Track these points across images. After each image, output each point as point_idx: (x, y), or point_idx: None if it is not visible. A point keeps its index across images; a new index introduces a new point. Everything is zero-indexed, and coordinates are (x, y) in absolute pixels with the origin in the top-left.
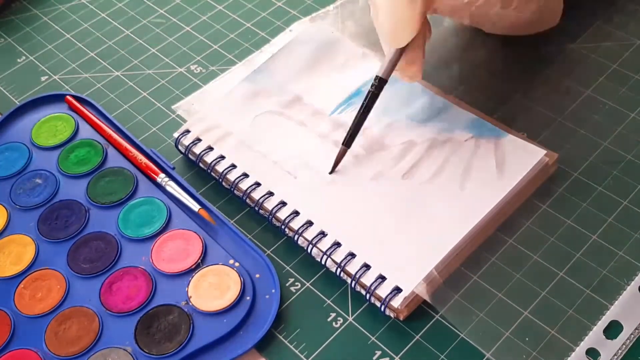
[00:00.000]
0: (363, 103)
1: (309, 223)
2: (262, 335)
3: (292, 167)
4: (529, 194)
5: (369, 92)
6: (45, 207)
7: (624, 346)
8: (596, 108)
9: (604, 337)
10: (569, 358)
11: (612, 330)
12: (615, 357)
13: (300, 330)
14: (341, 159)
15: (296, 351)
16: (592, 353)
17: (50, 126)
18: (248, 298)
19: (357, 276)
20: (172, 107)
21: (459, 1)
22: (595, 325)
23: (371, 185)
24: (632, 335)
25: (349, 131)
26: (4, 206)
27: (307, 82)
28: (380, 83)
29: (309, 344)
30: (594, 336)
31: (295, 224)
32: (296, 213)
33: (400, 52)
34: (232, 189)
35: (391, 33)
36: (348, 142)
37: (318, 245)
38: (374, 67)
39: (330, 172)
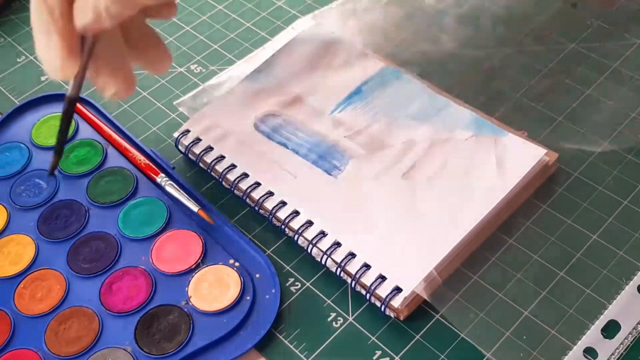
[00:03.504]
0: (62, 119)
1: (309, 223)
2: (262, 335)
3: (292, 167)
4: (529, 194)
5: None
6: (45, 207)
7: (621, 346)
8: (596, 108)
9: (601, 336)
10: (566, 357)
11: (610, 329)
12: (613, 356)
13: (300, 330)
14: (56, 166)
15: (296, 351)
16: (590, 352)
17: (50, 126)
18: (248, 298)
19: (357, 276)
20: (174, 103)
21: None
22: (593, 324)
23: (371, 185)
24: (630, 335)
25: (57, 141)
26: (4, 206)
27: (308, 81)
28: (70, 104)
29: (309, 344)
30: (591, 335)
31: (295, 223)
32: (296, 213)
33: (85, 69)
34: (232, 189)
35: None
36: (59, 150)
37: (318, 245)
38: (374, 66)
39: (49, 175)
